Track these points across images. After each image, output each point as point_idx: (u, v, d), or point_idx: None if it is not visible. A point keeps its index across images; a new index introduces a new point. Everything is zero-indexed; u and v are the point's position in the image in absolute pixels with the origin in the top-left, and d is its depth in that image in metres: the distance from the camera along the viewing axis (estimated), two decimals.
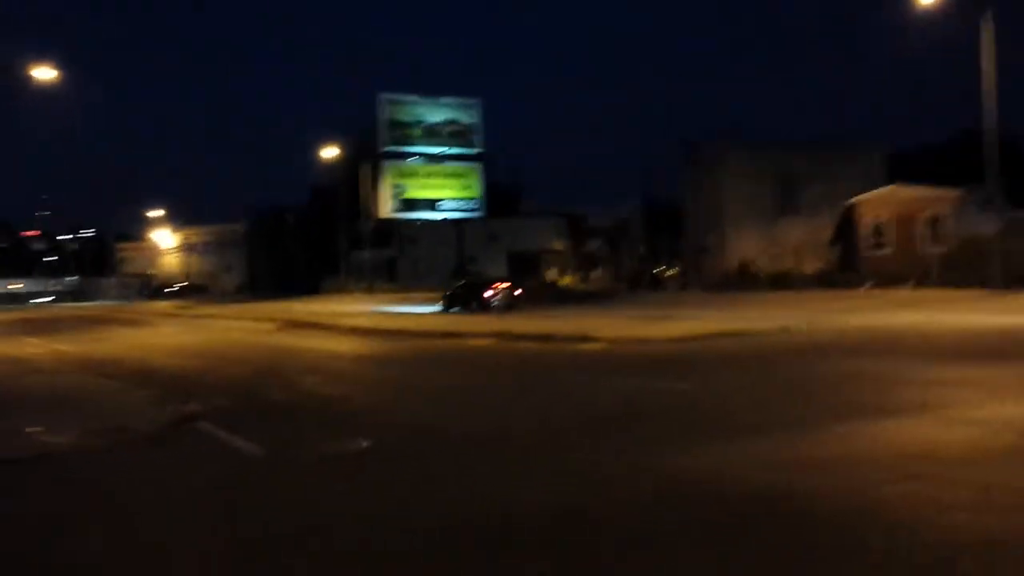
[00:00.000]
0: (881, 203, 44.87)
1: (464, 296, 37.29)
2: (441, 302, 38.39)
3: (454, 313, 35.50)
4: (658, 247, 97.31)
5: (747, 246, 50.62)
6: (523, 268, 71.63)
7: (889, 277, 38.23)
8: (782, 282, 43.16)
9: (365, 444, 9.45)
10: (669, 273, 68.02)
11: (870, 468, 7.38)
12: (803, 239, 48.01)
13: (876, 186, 46.02)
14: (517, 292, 36.54)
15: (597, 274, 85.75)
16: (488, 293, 36.05)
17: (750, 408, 10.84)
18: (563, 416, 10.91)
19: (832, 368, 14.23)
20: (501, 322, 25.63)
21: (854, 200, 46.08)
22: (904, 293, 34.20)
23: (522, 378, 15.49)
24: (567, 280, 75.46)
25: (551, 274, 75.76)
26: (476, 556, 5.77)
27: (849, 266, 44.75)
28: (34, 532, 6.91)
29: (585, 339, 20.71)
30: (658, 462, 7.95)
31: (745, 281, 46.46)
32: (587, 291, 64.44)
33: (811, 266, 45.95)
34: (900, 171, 47.36)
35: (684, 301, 36.05)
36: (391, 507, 7.05)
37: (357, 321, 30.85)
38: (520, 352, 19.89)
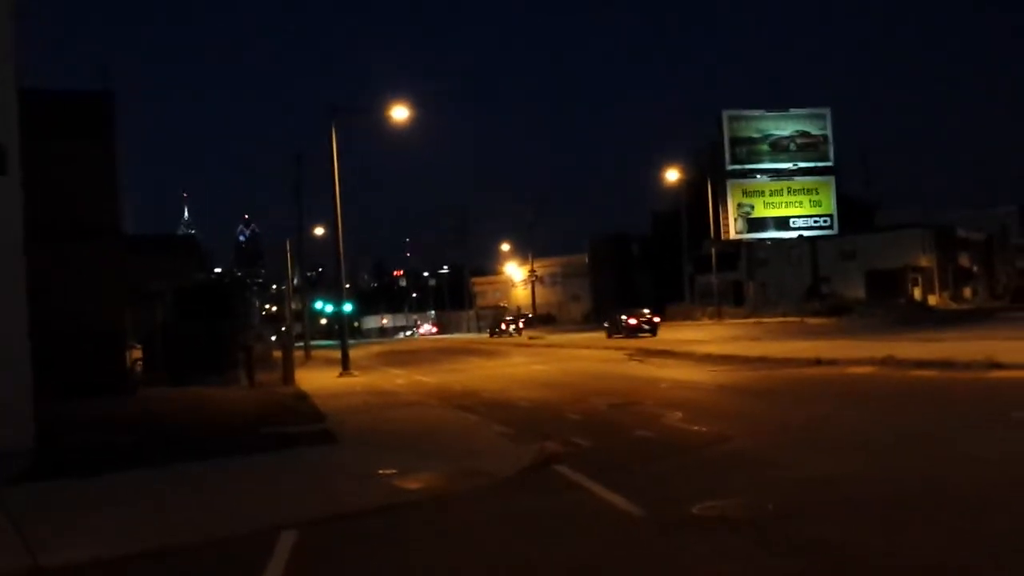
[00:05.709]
0: None
1: None
2: None
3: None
4: None
5: None
6: (884, 287, 65.68)
7: None
8: None
9: (770, 507, 7.38)
10: None
11: None
12: None
13: None
14: None
15: (968, 291, 77.47)
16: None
17: None
18: None
19: None
20: (881, 347, 22.33)
21: None
22: None
23: (945, 418, 12.43)
24: (935, 299, 68.31)
25: (917, 292, 68.86)
26: None
27: None
28: None
29: (993, 365, 17.28)
30: None
31: None
32: (960, 310, 57.35)
33: None
34: None
35: None
36: None
37: (711, 348, 28.91)
38: (915, 382, 16.86)
